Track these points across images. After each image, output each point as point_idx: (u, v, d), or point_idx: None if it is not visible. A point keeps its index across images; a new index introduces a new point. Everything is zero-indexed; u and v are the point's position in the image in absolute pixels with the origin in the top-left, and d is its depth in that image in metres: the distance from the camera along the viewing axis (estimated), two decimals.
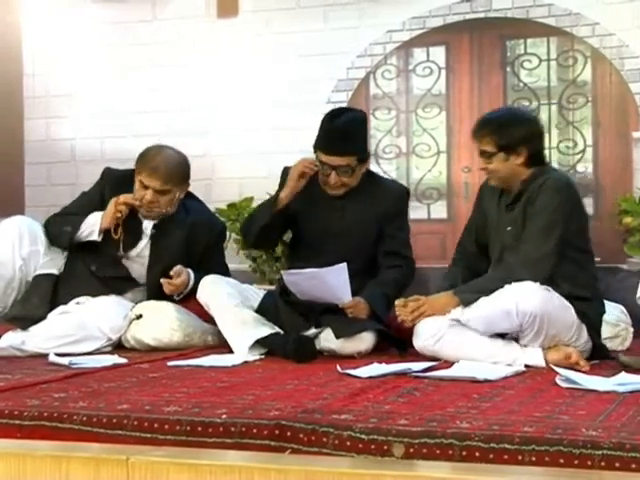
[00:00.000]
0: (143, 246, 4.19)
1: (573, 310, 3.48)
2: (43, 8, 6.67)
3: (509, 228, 3.66)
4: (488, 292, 3.47)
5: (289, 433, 2.29)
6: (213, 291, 4.00)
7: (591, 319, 3.57)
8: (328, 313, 3.84)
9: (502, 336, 3.54)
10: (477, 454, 2.13)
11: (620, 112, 5.50)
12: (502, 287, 3.44)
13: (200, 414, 2.44)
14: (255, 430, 2.31)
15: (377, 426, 2.26)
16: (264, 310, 3.98)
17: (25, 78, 6.77)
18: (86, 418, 2.45)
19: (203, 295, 4.02)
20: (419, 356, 3.60)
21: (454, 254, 4.00)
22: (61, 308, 4.00)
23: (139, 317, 4.08)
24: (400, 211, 4.14)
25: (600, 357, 3.57)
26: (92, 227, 4.09)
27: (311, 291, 3.81)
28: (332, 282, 3.72)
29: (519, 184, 3.65)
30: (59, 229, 4.15)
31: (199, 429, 2.36)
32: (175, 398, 2.71)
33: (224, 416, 2.39)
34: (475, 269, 3.83)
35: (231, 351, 3.81)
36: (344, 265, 3.66)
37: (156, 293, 4.14)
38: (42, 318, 3.92)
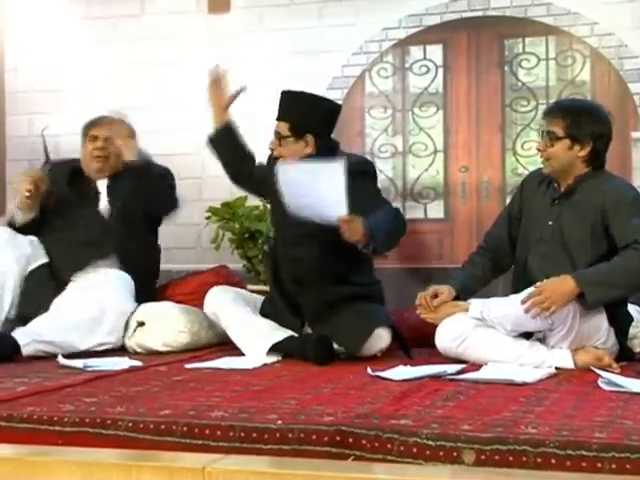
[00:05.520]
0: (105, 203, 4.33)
1: (604, 312, 3.43)
2: (25, 1, 6.51)
3: (550, 222, 3.60)
4: (613, 283, 3.34)
5: (351, 439, 2.20)
6: (221, 301, 3.91)
7: (620, 323, 3.53)
8: (325, 324, 3.74)
9: (527, 338, 3.49)
10: (553, 461, 2.06)
11: (619, 112, 5.46)
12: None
13: (251, 420, 2.35)
14: (315, 436, 2.22)
15: (444, 432, 2.18)
16: (265, 314, 3.90)
17: (7, 73, 6.61)
18: (132, 424, 2.35)
19: (211, 306, 3.94)
20: (440, 356, 3.54)
21: (480, 243, 3.94)
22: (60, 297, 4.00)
23: (141, 324, 3.97)
24: (363, 177, 3.80)
25: (625, 359, 3.53)
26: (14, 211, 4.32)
27: (304, 196, 3.51)
28: (327, 183, 3.40)
29: (572, 179, 3.58)
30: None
31: (254, 435, 2.26)
32: (215, 402, 2.62)
33: (279, 422, 2.30)
34: (499, 260, 3.82)
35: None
36: (340, 163, 3.35)
37: (123, 236, 4.20)
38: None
